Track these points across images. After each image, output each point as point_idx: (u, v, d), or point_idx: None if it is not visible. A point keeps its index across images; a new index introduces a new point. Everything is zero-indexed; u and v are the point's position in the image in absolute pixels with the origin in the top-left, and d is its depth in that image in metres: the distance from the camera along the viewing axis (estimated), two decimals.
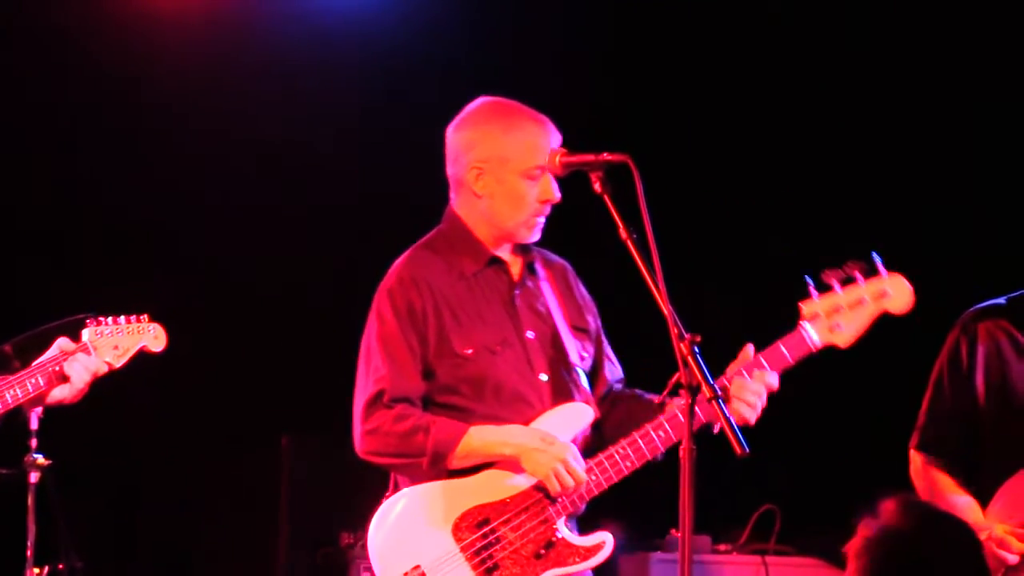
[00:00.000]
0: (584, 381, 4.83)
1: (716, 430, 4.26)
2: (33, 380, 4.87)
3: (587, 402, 4.79)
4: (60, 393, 4.92)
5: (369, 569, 4.65)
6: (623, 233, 4.17)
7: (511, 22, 7.80)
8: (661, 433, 4.62)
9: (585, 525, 4.74)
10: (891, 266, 4.71)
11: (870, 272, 4.71)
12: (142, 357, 5.05)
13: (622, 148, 4.30)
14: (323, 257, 7.70)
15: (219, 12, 7.70)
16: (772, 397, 4.67)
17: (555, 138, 4.74)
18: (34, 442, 5.87)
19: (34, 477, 5.91)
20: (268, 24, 7.75)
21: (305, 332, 7.68)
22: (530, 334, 4.78)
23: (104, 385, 4.99)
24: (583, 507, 4.69)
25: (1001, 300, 4.88)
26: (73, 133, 7.55)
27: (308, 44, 7.73)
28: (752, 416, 4.60)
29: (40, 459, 5.92)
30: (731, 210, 7.77)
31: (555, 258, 4.97)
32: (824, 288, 4.72)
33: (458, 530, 4.60)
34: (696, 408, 4.14)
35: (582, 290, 4.97)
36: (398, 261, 4.82)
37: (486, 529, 4.60)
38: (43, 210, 7.51)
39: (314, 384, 7.52)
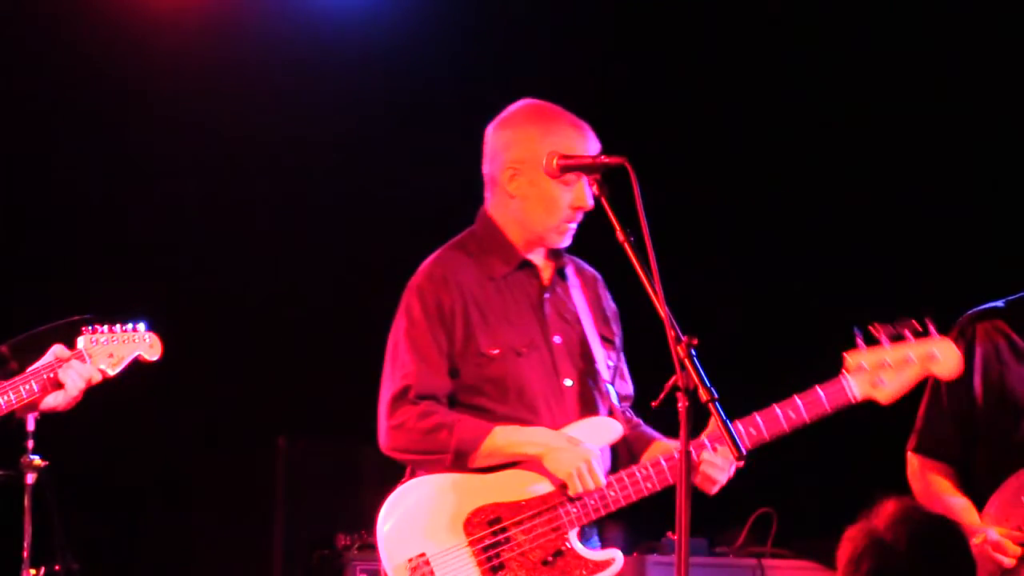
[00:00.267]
0: (609, 390, 4.80)
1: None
2: (27, 386, 4.86)
3: (611, 411, 4.76)
4: (54, 400, 4.90)
5: (366, 570, 4.64)
6: (620, 235, 4.16)
7: (509, 22, 7.79)
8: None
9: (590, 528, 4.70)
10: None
11: (920, 332, 4.64)
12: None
13: (619, 150, 4.30)
14: (321, 259, 7.69)
15: (217, 13, 7.68)
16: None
17: (593, 145, 4.71)
18: (31, 443, 5.86)
19: (30, 478, 5.89)
20: (267, 25, 7.73)
21: (301, 334, 7.67)
22: (557, 339, 4.76)
23: (102, 386, 4.98)
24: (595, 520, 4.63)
25: (999, 303, 4.89)
26: (71, 134, 7.54)
27: (307, 44, 7.72)
28: (712, 489, 4.59)
29: (37, 460, 5.91)
30: (729, 211, 7.77)
31: (587, 267, 4.94)
32: (872, 341, 4.66)
33: (469, 524, 4.59)
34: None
35: (610, 302, 4.94)
36: (428, 259, 4.79)
37: (497, 527, 4.59)
38: (42, 210, 7.50)
39: (310, 386, 7.54)
